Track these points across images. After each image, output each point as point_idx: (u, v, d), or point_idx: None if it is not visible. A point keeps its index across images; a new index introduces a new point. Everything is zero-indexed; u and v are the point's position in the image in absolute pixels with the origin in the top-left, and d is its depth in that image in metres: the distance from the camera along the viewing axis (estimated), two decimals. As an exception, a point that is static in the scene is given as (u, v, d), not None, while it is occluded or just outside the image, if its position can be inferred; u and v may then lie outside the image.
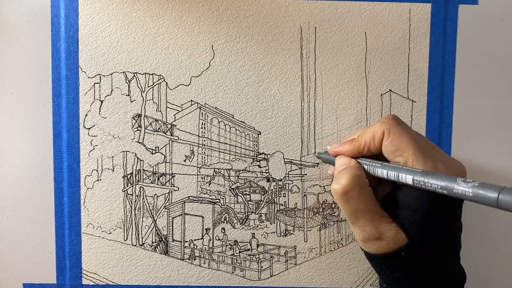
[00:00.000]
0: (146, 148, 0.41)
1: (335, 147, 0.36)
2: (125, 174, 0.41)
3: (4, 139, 0.41)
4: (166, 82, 0.41)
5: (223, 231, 0.42)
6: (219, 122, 0.42)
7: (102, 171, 0.41)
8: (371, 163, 0.33)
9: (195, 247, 0.42)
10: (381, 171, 0.32)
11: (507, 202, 0.24)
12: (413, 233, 0.31)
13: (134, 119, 0.41)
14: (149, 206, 0.42)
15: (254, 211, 0.42)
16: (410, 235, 0.31)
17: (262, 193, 0.42)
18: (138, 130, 0.41)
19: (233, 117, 0.41)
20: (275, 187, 0.42)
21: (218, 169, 0.42)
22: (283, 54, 0.41)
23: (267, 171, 0.42)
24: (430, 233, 0.31)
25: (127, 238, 0.42)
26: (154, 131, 0.41)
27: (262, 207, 0.42)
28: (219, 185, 0.42)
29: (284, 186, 0.42)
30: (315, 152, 0.41)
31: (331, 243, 0.42)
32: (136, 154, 0.41)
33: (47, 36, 0.40)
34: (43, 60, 0.41)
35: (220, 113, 0.41)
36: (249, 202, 0.42)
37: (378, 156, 0.35)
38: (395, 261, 0.32)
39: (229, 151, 0.42)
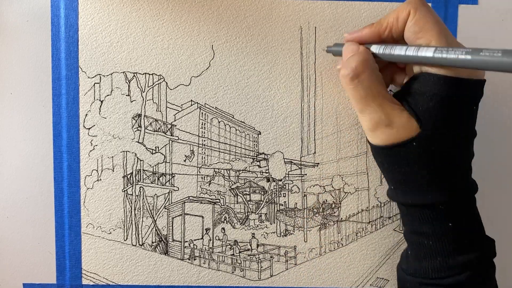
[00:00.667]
0: (146, 148, 0.41)
1: (354, 31, 0.34)
2: (125, 174, 0.41)
3: (4, 139, 0.41)
4: (166, 82, 0.41)
5: (223, 231, 0.42)
6: (219, 122, 0.42)
7: (102, 171, 0.41)
8: (385, 46, 0.32)
9: (195, 247, 0.42)
10: (399, 48, 0.30)
11: None
12: (425, 121, 0.30)
13: (134, 119, 0.41)
14: (149, 206, 0.42)
15: (254, 211, 0.42)
16: (422, 123, 0.30)
17: (262, 193, 0.42)
18: (138, 130, 0.41)
19: (233, 117, 0.41)
20: (275, 187, 0.42)
21: (218, 169, 0.42)
22: (283, 54, 0.41)
23: (267, 171, 0.42)
24: (444, 123, 0.30)
25: (127, 238, 0.42)
26: (154, 131, 0.41)
27: (262, 207, 0.42)
28: (219, 185, 0.42)
29: (284, 186, 0.42)
30: (325, 49, 0.38)
31: (331, 243, 0.42)
32: (136, 154, 0.41)
33: (47, 36, 0.40)
34: (43, 60, 0.41)
35: (220, 113, 0.41)
36: (249, 202, 0.42)
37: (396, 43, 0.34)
38: (404, 153, 0.31)
39: (229, 151, 0.42)
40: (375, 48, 0.32)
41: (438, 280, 0.32)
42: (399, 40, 0.33)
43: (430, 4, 0.32)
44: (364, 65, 0.31)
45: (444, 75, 0.29)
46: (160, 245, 0.42)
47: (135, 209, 0.42)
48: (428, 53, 0.29)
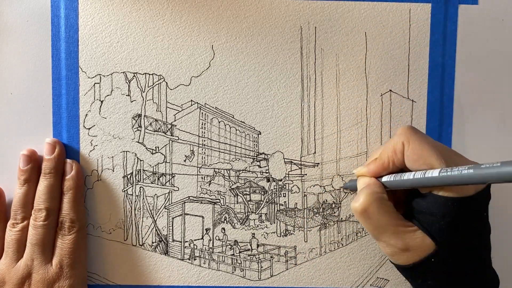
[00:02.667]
0: (146, 148, 0.41)
1: (361, 169, 0.36)
2: (125, 174, 0.41)
3: (4, 139, 0.41)
4: (166, 82, 0.41)
5: (223, 231, 0.42)
6: (219, 122, 0.42)
7: (102, 171, 0.41)
8: (395, 175, 0.33)
9: (195, 247, 0.42)
10: (407, 174, 0.32)
11: None
12: (440, 239, 0.31)
13: (134, 119, 0.41)
14: (149, 206, 0.42)
15: (254, 211, 0.42)
16: (437, 241, 0.31)
17: (262, 193, 0.42)
18: (138, 130, 0.41)
19: (233, 117, 0.41)
20: (275, 187, 0.42)
21: (218, 169, 0.42)
22: (283, 54, 0.41)
23: (267, 171, 0.42)
24: (458, 238, 0.31)
25: (127, 238, 0.42)
26: (154, 131, 0.41)
27: (262, 207, 0.42)
28: (219, 185, 0.42)
29: (284, 186, 0.42)
30: (342, 187, 0.41)
31: (331, 243, 0.42)
32: (136, 154, 0.41)
33: (47, 36, 0.40)
34: (43, 60, 0.41)
35: (220, 113, 0.41)
36: (249, 202, 0.42)
37: (403, 171, 0.35)
38: (425, 269, 0.32)
39: (229, 151, 0.42)
40: (386, 178, 0.34)
41: None
42: (405, 169, 0.34)
43: (421, 132, 0.34)
44: (371, 198, 0.32)
45: (452, 197, 0.30)
46: (160, 245, 0.42)
47: (135, 209, 0.42)
48: (434, 173, 0.30)
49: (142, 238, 0.42)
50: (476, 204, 0.31)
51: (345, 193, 0.42)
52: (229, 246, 0.42)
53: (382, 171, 0.34)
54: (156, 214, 0.42)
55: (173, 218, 0.42)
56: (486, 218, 0.33)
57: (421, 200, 0.32)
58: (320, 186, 0.42)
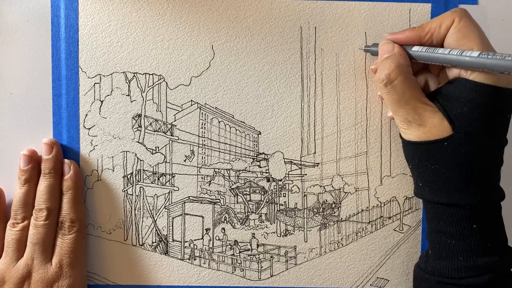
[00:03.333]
0: (146, 148, 0.41)
1: (395, 33, 0.35)
2: (125, 174, 0.41)
3: (4, 139, 0.41)
4: (166, 82, 0.41)
5: (223, 231, 0.42)
6: (219, 122, 0.42)
7: (102, 171, 0.41)
8: (428, 48, 0.33)
9: (195, 247, 0.42)
10: (442, 50, 0.31)
11: None
12: (459, 124, 0.31)
13: (134, 119, 0.41)
14: (149, 206, 0.42)
15: (254, 211, 0.42)
16: (455, 126, 0.31)
17: (262, 193, 0.42)
18: (138, 130, 0.41)
19: (233, 117, 0.41)
20: (275, 187, 0.42)
21: (218, 169, 0.42)
22: (283, 54, 0.41)
23: (267, 171, 0.42)
24: (476, 127, 0.31)
25: (127, 238, 0.42)
26: (154, 131, 0.41)
27: (262, 207, 0.42)
28: (219, 185, 0.42)
29: (284, 186, 0.42)
30: (362, 48, 0.40)
31: (331, 243, 0.42)
32: (136, 154, 0.41)
33: (47, 36, 0.40)
34: (43, 60, 0.41)
35: (220, 113, 0.41)
36: (249, 202, 0.42)
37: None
38: (435, 151, 0.32)
39: (229, 151, 0.42)
40: (416, 48, 0.33)
41: (457, 280, 0.33)
42: (438, 46, 0.33)
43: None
44: (398, 71, 0.32)
45: (482, 82, 0.30)
46: (160, 245, 0.42)
47: (135, 209, 0.42)
48: (473, 54, 0.29)
49: (142, 238, 0.42)
50: (504, 98, 0.31)
51: (345, 193, 0.42)
52: (229, 246, 0.42)
53: (416, 41, 0.34)
54: (156, 214, 0.42)
55: (173, 218, 0.42)
56: (508, 121, 0.32)
57: (448, 84, 0.32)
58: (320, 186, 0.42)
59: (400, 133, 0.35)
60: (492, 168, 0.33)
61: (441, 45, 0.33)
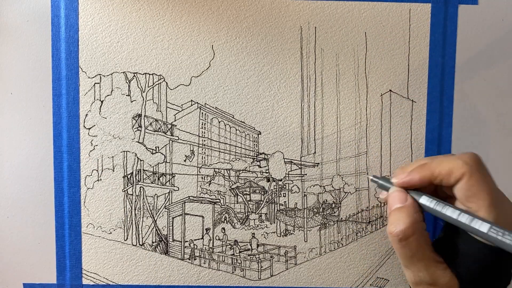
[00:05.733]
0: (146, 148, 0.41)
1: (402, 177, 0.33)
2: (125, 174, 0.41)
3: (4, 139, 0.41)
4: (166, 82, 0.41)
5: (223, 231, 0.42)
6: (219, 122, 0.42)
7: (102, 171, 0.41)
8: (437, 201, 0.31)
9: (195, 247, 0.42)
10: (452, 211, 0.30)
11: None
12: (466, 281, 0.31)
13: (134, 119, 0.41)
14: (149, 206, 0.42)
15: (254, 211, 0.42)
16: (462, 281, 0.31)
17: (262, 193, 0.42)
18: (138, 130, 0.41)
19: (233, 117, 0.41)
20: (275, 187, 0.42)
21: (218, 169, 0.42)
22: (283, 54, 0.41)
23: (267, 171, 0.42)
24: (483, 283, 0.31)
25: (127, 238, 0.42)
26: (154, 131, 0.41)
27: (262, 207, 0.42)
28: (219, 185, 0.42)
29: (284, 186, 0.42)
30: (370, 177, 0.37)
31: (331, 243, 0.42)
32: (136, 154, 0.41)
33: (47, 36, 0.40)
34: (43, 60, 0.41)
35: (220, 113, 0.41)
36: (249, 202, 0.42)
37: (436, 190, 0.34)
38: None
39: (229, 151, 0.42)
40: (426, 201, 0.32)
41: None
42: (448, 190, 0.32)
43: (485, 167, 0.31)
44: (414, 228, 0.31)
45: (490, 245, 0.30)
46: (160, 245, 0.42)
47: (135, 209, 0.42)
48: (482, 228, 0.29)
49: (142, 238, 0.42)
50: (510, 257, 0.30)
51: (345, 193, 0.42)
52: (229, 246, 0.42)
53: (425, 183, 0.32)
54: (156, 214, 0.42)
55: (173, 218, 0.42)
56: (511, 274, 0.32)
57: (455, 236, 0.31)
58: (320, 186, 0.42)
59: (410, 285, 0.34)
60: None
61: (451, 190, 0.32)
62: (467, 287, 0.31)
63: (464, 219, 0.30)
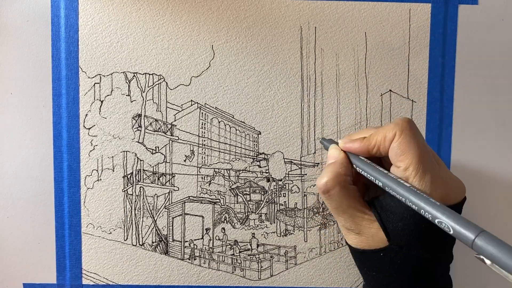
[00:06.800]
0: (146, 148, 0.41)
1: (346, 142, 0.35)
2: (125, 174, 0.41)
3: (4, 139, 0.41)
4: (166, 82, 0.41)
5: (223, 231, 0.42)
6: (219, 122, 0.42)
7: (102, 171, 0.41)
8: (370, 164, 0.33)
9: (195, 247, 0.42)
10: (378, 172, 0.31)
11: (481, 248, 0.24)
12: (394, 236, 0.31)
13: (134, 119, 0.41)
14: (149, 206, 0.42)
15: (254, 211, 0.42)
16: (390, 238, 0.31)
17: (262, 193, 0.42)
18: (138, 130, 0.41)
19: (233, 117, 0.41)
20: (275, 187, 0.42)
21: (218, 169, 0.42)
22: (283, 54, 0.41)
23: (267, 171, 0.42)
24: (411, 242, 0.31)
25: (127, 238, 0.42)
26: (154, 131, 0.41)
27: (262, 207, 0.42)
28: (219, 185, 0.42)
29: (284, 186, 0.42)
30: (319, 138, 0.41)
31: (331, 243, 0.42)
32: (136, 154, 0.41)
33: (47, 36, 0.40)
34: (43, 60, 0.41)
35: (220, 113, 0.41)
36: (249, 202, 0.42)
37: (381, 159, 0.34)
38: (373, 260, 0.32)
39: (229, 151, 0.42)
40: (357, 160, 0.33)
41: None
42: (383, 158, 0.33)
43: (418, 130, 0.32)
44: (334, 181, 0.32)
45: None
46: (160, 245, 0.42)
47: (135, 209, 0.42)
48: (394, 192, 0.30)
49: (142, 238, 0.42)
50: None
51: None
52: (229, 246, 0.42)
53: (365, 152, 0.33)
54: (156, 214, 0.42)
55: (173, 218, 0.42)
56: (450, 239, 0.32)
57: (386, 195, 0.32)
58: (320, 186, 0.42)
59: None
60: (434, 282, 0.32)
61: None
62: (397, 248, 0.31)
63: (387, 180, 0.31)
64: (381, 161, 0.35)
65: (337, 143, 0.36)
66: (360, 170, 0.33)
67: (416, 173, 0.30)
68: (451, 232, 0.26)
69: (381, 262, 0.32)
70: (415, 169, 0.30)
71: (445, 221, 0.26)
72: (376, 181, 0.31)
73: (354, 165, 0.34)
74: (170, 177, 0.42)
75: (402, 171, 0.30)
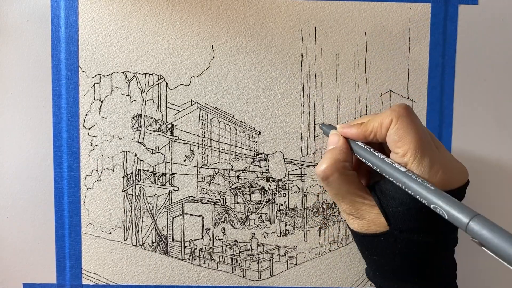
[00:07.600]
0: (146, 148, 0.41)
1: (344, 127, 0.35)
2: (125, 174, 0.41)
3: (4, 139, 0.41)
4: (166, 82, 0.41)
5: (223, 231, 0.42)
6: (219, 122, 0.42)
7: (102, 171, 0.41)
8: (369, 149, 0.33)
9: (195, 247, 0.42)
10: (376, 157, 0.31)
11: (475, 232, 0.24)
12: (394, 221, 0.31)
13: (134, 119, 0.41)
14: (149, 206, 0.42)
15: (254, 211, 0.42)
16: (390, 223, 0.31)
17: (262, 193, 0.42)
18: (138, 130, 0.41)
19: (233, 117, 0.41)
20: (275, 187, 0.42)
21: (218, 169, 0.42)
22: (283, 54, 0.41)
23: (267, 171, 0.42)
24: (411, 226, 0.31)
25: (127, 238, 0.42)
26: (154, 131, 0.41)
27: (262, 207, 0.42)
28: (219, 185, 0.42)
29: (284, 186, 0.42)
30: (319, 124, 0.41)
31: (331, 243, 0.42)
32: (136, 154, 0.41)
33: (47, 36, 0.40)
34: (43, 60, 0.41)
35: (220, 113, 0.41)
36: (249, 202, 0.42)
37: (382, 144, 0.34)
38: (374, 244, 0.33)
39: (229, 151, 0.42)
40: (357, 146, 0.34)
41: None
42: (384, 143, 0.33)
43: (415, 115, 0.32)
44: (333, 167, 0.33)
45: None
46: (160, 245, 0.42)
47: (135, 209, 0.42)
48: (392, 177, 0.30)
49: (142, 238, 0.42)
50: None
51: None
52: (229, 246, 0.42)
53: (362, 138, 0.34)
54: (156, 214, 0.42)
55: (173, 218, 0.42)
56: (446, 221, 0.32)
57: (386, 180, 0.32)
58: (320, 186, 0.42)
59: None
60: (436, 265, 0.32)
61: (386, 142, 0.33)
62: (397, 232, 0.31)
63: (384, 165, 0.31)
64: (383, 146, 0.35)
65: (333, 127, 0.36)
66: (358, 156, 0.33)
67: (414, 158, 0.30)
68: (446, 217, 0.26)
69: (382, 246, 0.32)
70: (413, 155, 0.30)
71: (440, 205, 0.26)
72: (374, 166, 0.32)
73: (353, 151, 0.34)
74: (170, 177, 0.42)
75: (400, 157, 0.30)
